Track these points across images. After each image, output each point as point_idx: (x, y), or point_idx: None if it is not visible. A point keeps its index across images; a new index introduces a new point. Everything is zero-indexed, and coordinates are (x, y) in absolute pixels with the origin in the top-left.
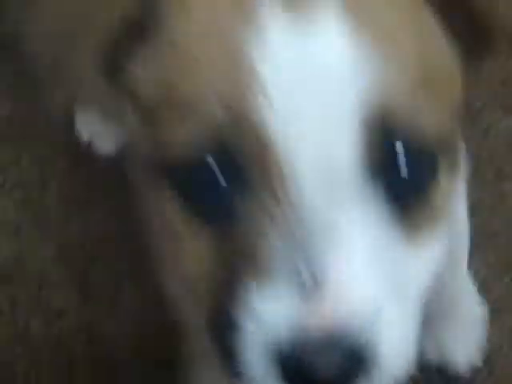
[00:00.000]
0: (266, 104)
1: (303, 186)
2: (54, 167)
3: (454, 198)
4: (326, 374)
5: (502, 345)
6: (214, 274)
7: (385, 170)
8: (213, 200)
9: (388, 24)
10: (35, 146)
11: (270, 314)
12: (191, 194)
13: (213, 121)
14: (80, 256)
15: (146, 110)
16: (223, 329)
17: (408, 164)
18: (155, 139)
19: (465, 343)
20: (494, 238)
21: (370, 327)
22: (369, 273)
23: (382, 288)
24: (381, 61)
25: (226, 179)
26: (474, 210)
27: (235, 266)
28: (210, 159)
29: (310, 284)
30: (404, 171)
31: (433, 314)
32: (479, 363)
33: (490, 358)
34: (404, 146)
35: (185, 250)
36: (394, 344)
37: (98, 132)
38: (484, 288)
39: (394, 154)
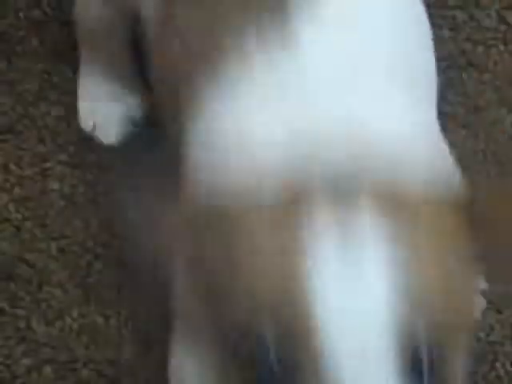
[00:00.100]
0: (316, 323)
1: None
2: (55, 164)
3: None
4: None
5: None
6: None
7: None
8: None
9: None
10: (36, 144)
11: None
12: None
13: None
14: (81, 255)
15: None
16: None
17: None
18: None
19: None
20: None
21: None
22: None
23: None
24: (415, 296)
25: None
26: None
27: None
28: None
29: None
30: (426, 371)
31: None
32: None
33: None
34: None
35: None
36: None
37: (100, 121)
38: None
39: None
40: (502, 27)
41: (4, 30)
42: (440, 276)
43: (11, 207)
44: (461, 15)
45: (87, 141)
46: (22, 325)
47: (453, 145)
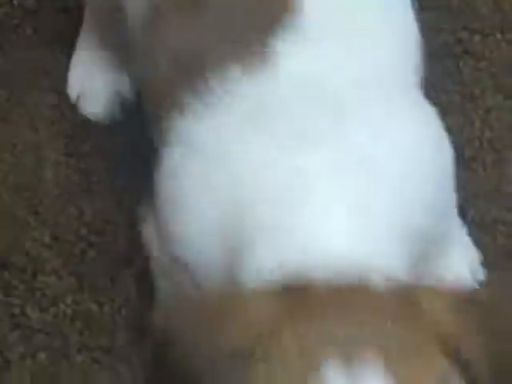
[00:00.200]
0: None
1: None
2: (49, 153)
3: None
4: None
5: None
6: None
7: None
8: None
9: None
10: (30, 132)
11: None
12: None
13: None
14: (76, 242)
15: None
16: None
17: None
18: None
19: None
20: (493, 223)
21: None
22: None
23: None
24: None
25: None
26: (474, 195)
27: None
28: None
29: None
30: None
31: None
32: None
33: None
34: None
35: None
36: None
37: (87, 90)
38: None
39: None
40: (498, 15)
41: None
42: None
43: (5, 196)
44: (457, 3)
45: (81, 129)
46: (17, 311)
47: (449, 132)
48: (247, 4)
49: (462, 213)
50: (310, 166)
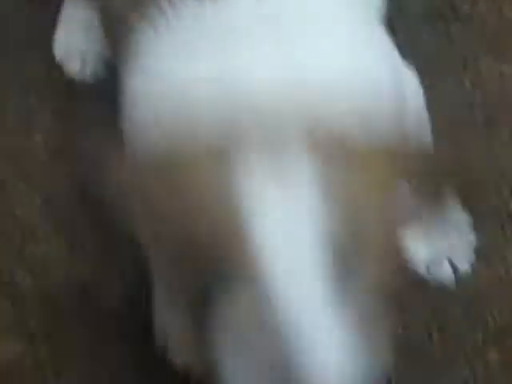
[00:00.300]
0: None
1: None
2: (39, 117)
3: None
4: None
5: None
6: None
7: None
8: None
9: (355, 189)
10: (21, 96)
11: None
12: None
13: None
14: (66, 206)
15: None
16: None
17: None
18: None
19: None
20: (481, 185)
21: None
22: None
23: None
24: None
25: None
26: (466, 157)
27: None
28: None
29: None
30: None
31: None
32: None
33: None
34: None
35: None
36: None
37: (73, 50)
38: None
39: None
40: None
41: None
42: (367, 205)
43: None
44: None
45: (73, 93)
46: (7, 278)
47: (440, 95)
48: None
49: None
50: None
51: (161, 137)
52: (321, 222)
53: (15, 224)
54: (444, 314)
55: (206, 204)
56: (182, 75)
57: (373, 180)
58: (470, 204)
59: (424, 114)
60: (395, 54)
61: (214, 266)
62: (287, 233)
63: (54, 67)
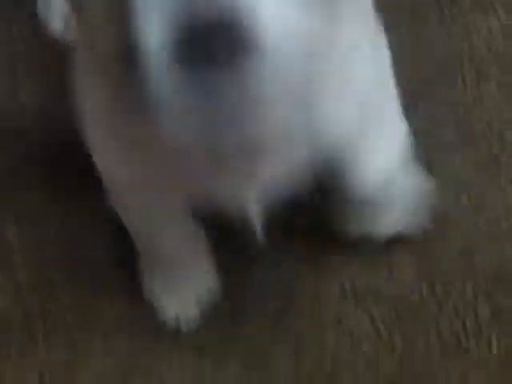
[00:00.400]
0: None
1: None
2: (25, 80)
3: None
4: (214, 53)
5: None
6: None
7: None
8: None
9: None
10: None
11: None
12: None
13: None
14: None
15: None
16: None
17: None
18: None
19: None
20: (471, 138)
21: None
22: None
23: None
24: None
25: None
26: (452, 110)
27: None
28: None
29: None
30: None
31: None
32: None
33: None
34: None
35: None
36: (279, 25)
37: (55, 11)
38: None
39: None
40: None
41: None
42: None
43: None
44: None
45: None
46: None
47: (429, 45)
48: None
49: None
50: None
51: None
52: None
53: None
54: (432, 267)
55: None
56: None
57: None
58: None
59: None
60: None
61: None
62: None
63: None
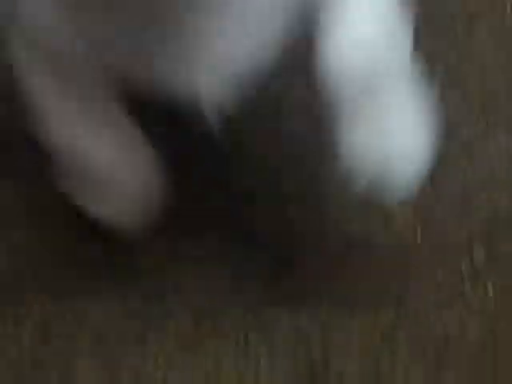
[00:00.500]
0: None
1: None
2: None
3: None
4: None
5: None
6: None
7: None
8: None
9: None
10: None
11: None
12: None
13: None
14: None
15: None
16: None
17: None
18: None
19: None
20: (464, 83)
21: None
22: None
23: None
24: None
25: None
26: (442, 58)
27: None
28: None
29: None
30: None
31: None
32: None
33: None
34: None
35: None
36: None
37: None
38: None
39: None
40: None
41: None
42: None
43: None
44: None
45: None
46: None
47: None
48: None
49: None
50: None
51: None
52: None
53: None
54: (428, 211)
55: None
56: None
57: None
58: None
59: None
60: None
61: None
62: None
63: None
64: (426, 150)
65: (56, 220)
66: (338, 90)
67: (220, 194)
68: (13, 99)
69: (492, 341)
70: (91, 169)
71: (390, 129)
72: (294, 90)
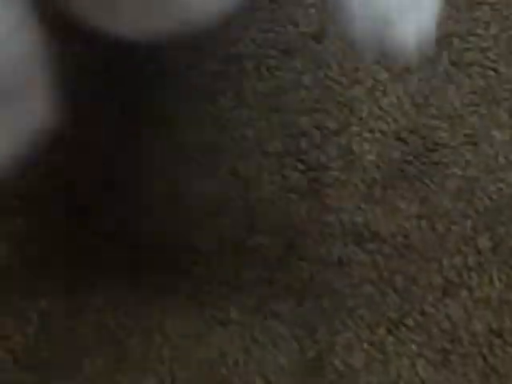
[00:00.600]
0: None
1: None
2: None
3: None
4: None
5: None
6: None
7: None
8: None
9: None
10: None
11: None
12: None
13: None
14: None
15: None
16: None
17: None
18: None
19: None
20: (467, 68)
21: None
22: None
23: None
24: None
25: None
26: (447, 39)
27: None
28: None
29: None
30: None
31: None
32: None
33: None
34: None
35: None
36: None
37: None
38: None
39: None
40: None
41: None
42: None
43: None
44: None
45: None
46: None
47: None
48: None
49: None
50: None
51: None
52: None
53: None
54: (432, 202)
55: None
56: None
57: None
58: None
59: None
60: None
61: None
62: None
63: None
64: None
65: (56, 208)
66: None
67: None
68: None
69: (498, 330)
70: None
71: None
72: None
